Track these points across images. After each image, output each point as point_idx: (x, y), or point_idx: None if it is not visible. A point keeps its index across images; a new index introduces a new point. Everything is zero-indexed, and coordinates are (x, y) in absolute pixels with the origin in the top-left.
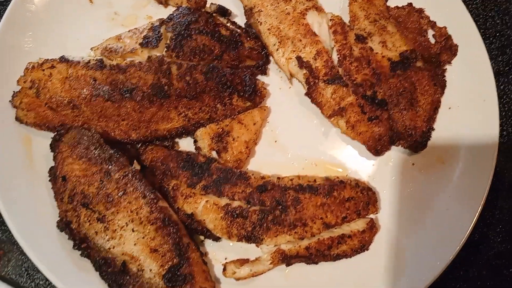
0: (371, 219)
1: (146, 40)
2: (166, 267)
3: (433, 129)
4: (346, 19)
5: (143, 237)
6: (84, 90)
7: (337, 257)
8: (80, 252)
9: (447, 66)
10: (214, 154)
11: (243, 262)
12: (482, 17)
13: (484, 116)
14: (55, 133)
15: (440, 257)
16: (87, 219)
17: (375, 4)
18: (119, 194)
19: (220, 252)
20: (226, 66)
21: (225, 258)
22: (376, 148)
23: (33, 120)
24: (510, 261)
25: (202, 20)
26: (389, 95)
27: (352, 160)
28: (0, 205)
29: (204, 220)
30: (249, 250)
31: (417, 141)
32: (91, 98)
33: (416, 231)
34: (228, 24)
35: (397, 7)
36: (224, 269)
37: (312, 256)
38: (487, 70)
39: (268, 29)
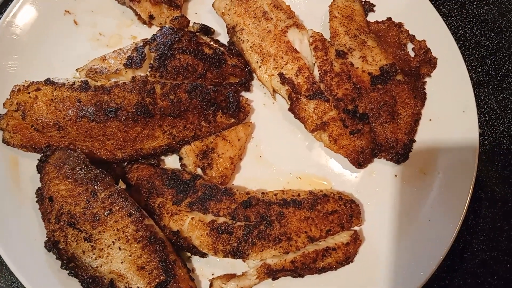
0: (355, 231)
1: (130, 60)
2: (153, 284)
3: (414, 141)
4: (327, 35)
5: (130, 255)
6: (70, 112)
7: (322, 270)
8: (68, 272)
9: (427, 79)
10: (199, 171)
11: (229, 277)
12: (461, 28)
13: (464, 126)
14: (42, 154)
15: (424, 267)
16: (74, 238)
17: (355, 19)
18: (105, 213)
19: (207, 268)
20: (209, 84)
21: (212, 274)
22: (359, 161)
23: (20, 142)
24: (495, 269)
25: (185, 39)
26: (370, 108)
27: (336, 173)
28: None
29: (190, 237)
30: (236, 265)
31: (399, 153)
32: (77, 119)
33: (399, 242)
34: (211, 43)
35: (376, 22)
36: (211, 285)
37: (297, 270)
38: (466, 82)
39: (251, 47)
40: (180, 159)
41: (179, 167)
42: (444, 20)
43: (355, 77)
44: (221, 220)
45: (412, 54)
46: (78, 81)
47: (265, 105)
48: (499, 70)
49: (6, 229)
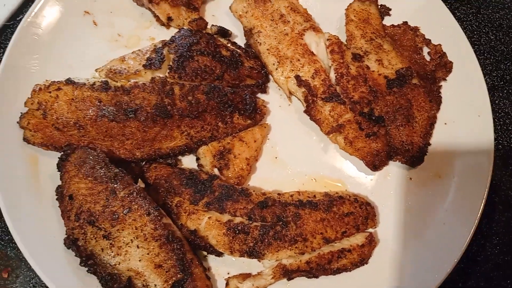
0: (370, 233)
1: (149, 61)
2: (170, 282)
3: (429, 145)
4: (343, 38)
5: (148, 253)
6: (90, 111)
7: (337, 271)
8: (86, 269)
9: (442, 83)
10: (216, 171)
11: (245, 276)
12: (477, 33)
13: (479, 131)
14: (62, 153)
15: (438, 270)
16: (93, 236)
17: (371, 23)
18: (124, 212)
19: (223, 267)
20: (227, 85)
21: (228, 273)
22: (374, 164)
23: (40, 140)
24: (508, 273)
25: (203, 41)
26: (386, 111)
27: (351, 175)
28: (8, 223)
29: (207, 236)
30: (251, 265)
31: (414, 156)
32: (97, 118)
33: (414, 244)
34: (229, 45)
35: (392, 26)
36: (227, 284)
37: (312, 271)
38: (481, 86)
39: (267, 49)
40: (197, 159)
41: (196, 167)
42: (459, 25)
43: (371, 80)
44: (238, 220)
45: (427, 58)
46: (99, 81)
47: (281, 107)
48: None
49: (26, 226)
